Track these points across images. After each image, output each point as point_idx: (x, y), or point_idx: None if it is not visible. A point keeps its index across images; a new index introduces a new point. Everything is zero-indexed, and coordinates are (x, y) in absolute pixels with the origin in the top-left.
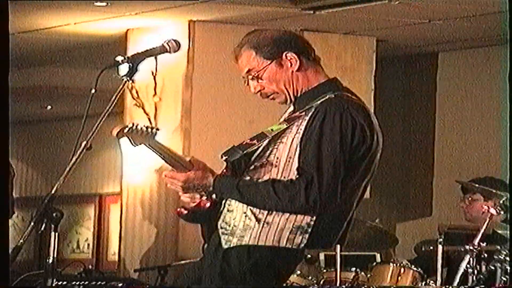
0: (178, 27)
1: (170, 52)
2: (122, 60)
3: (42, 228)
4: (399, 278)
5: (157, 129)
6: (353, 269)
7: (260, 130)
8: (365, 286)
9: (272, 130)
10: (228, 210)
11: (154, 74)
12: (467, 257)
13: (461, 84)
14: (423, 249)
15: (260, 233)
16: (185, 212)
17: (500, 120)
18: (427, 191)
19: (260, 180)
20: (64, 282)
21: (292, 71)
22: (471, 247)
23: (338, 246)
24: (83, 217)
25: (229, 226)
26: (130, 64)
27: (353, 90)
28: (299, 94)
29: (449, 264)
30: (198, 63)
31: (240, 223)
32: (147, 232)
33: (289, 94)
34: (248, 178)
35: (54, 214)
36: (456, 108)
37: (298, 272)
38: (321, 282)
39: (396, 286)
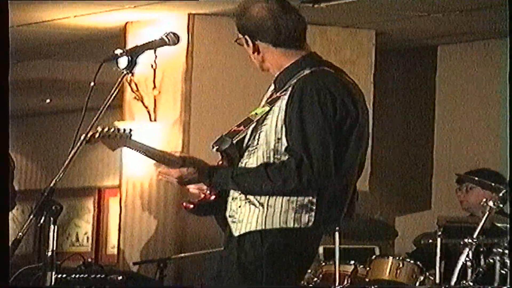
0: (177, 20)
1: (169, 45)
2: (121, 53)
3: (42, 221)
4: (398, 271)
5: (130, 130)
6: (352, 262)
7: None
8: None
9: (256, 114)
10: (232, 199)
11: (153, 67)
12: (466, 250)
13: (460, 77)
14: (422, 242)
15: (265, 217)
16: (191, 206)
17: (499, 113)
18: (426, 184)
19: (253, 166)
20: (64, 275)
21: (263, 55)
22: (470, 240)
23: (337, 239)
24: (83, 210)
25: (237, 214)
26: (129, 57)
27: None
28: (281, 71)
29: (448, 257)
30: (198, 56)
31: (245, 209)
32: (147, 225)
33: (274, 71)
34: (242, 165)
35: (53, 207)
36: (456, 101)
37: None
38: (320, 275)
39: (395, 279)
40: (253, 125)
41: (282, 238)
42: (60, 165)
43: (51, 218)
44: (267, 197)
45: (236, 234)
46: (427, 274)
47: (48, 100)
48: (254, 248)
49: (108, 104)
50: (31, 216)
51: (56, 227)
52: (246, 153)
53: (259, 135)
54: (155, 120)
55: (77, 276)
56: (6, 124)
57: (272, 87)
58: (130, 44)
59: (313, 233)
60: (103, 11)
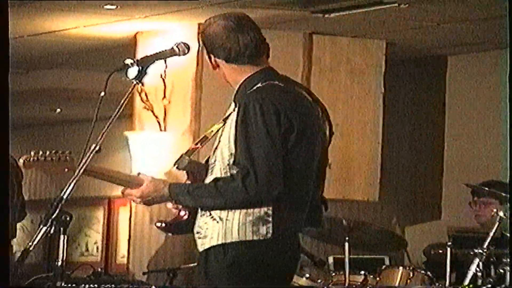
0: (187, 30)
1: (179, 55)
2: (131, 63)
3: (52, 231)
4: (408, 281)
5: (69, 153)
6: (362, 272)
7: None
8: None
9: (212, 131)
10: (200, 215)
11: (163, 77)
12: (476, 260)
13: (470, 87)
14: (432, 252)
15: (225, 231)
16: (163, 225)
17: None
18: (436, 194)
19: (203, 182)
20: (73, 285)
21: (223, 69)
22: (480, 251)
23: (347, 249)
24: (92, 220)
25: (202, 229)
26: (140, 67)
27: (362, 93)
28: (236, 88)
29: (458, 267)
30: (207, 65)
31: (209, 225)
32: (156, 235)
33: (233, 86)
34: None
35: (63, 217)
36: (466, 110)
37: (307, 275)
38: (330, 285)
39: None
40: (215, 143)
41: (243, 250)
42: (70, 175)
43: (61, 228)
44: (226, 211)
45: (200, 249)
46: (438, 284)
47: (58, 110)
48: (218, 261)
49: (118, 114)
50: (41, 226)
51: (66, 236)
52: (209, 171)
53: (216, 151)
54: (165, 129)
55: (87, 286)
56: (6, 124)
57: (232, 105)
58: (140, 54)
59: (276, 245)
60: (113, 21)
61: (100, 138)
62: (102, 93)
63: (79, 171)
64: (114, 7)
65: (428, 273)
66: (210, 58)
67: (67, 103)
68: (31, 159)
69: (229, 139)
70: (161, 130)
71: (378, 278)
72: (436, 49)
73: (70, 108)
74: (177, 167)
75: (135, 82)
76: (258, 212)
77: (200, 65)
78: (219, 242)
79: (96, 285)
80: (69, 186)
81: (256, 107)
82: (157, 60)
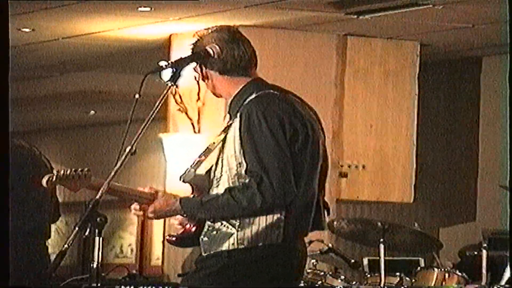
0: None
1: (214, 56)
2: (165, 65)
3: (87, 233)
4: (444, 283)
5: (88, 170)
6: (397, 274)
7: None
8: None
9: (214, 143)
10: (208, 226)
11: (197, 79)
12: None
13: (504, 89)
14: (467, 254)
15: (237, 236)
16: (174, 239)
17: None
18: (471, 195)
19: (216, 193)
20: (108, 287)
21: (214, 81)
22: None
23: (382, 250)
24: (127, 222)
25: (209, 238)
26: (174, 69)
27: (396, 94)
28: (230, 99)
29: (493, 268)
30: None
31: (219, 232)
32: None
33: (226, 99)
34: (211, 193)
35: (98, 219)
36: (500, 112)
37: (342, 277)
38: (365, 287)
39: None
40: (212, 154)
41: (255, 256)
42: (104, 177)
43: (96, 230)
44: (240, 219)
45: (204, 254)
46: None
47: (92, 112)
48: (227, 267)
49: (153, 116)
50: (76, 228)
51: (101, 238)
52: (214, 182)
53: (221, 163)
54: (199, 131)
55: (122, 287)
56: (6, 124)
57: (228, 116)
58: (174, 56)
59: (285, 248)
60: (148, 23)
61: (135, 140)
62: (137, 95)
63: (114, 173)
64: (148, 9)
65: (464, 274)
66: (201, 69)
67: (101, 105)
68: (53, 178)
69: (235, 149)
70: (195, 132)
71: (413, 280)
72: (470, 50)
73: (104, 110)
74: (183, 180)
75: (169, 84)
76: (270, 218)
77: None
78: (230, 248)
79: (131, 287)
80: (103, 188)
81: (260, 116)
82: (191, 62)
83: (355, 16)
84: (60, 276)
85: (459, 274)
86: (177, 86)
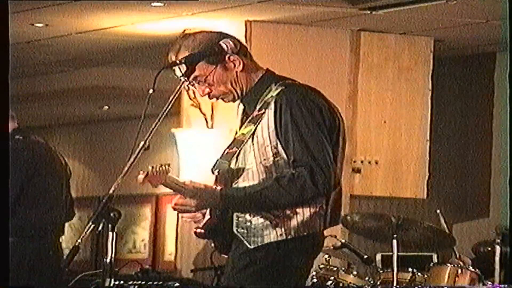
0: (234, 27)
1: (227, 52)
2: (179, 61)
3: (100, 228)
4: (457, 279)
5: (168, 165)
6: (410, 269)
7: None
8: (422, 286)
9: (243, 134)
10: (238, 216)
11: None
12: None
13: None
14: (481, 250)
15: (283, 228)
16: (202, 231)
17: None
18: (484, 191)
19: (263, 183)
20: (121, 282)
21: (237, 71)
22: None
23: (395, 246)
24: (140, 217)
25: (247, 229)
26: (188, 64)
27: (410, 90)
28: (245, 92)
29: (507, 265)
30: None
31: (258, 224)
32: None
33: (236, 93)
34: (246, 185)
35: (112, 214)
36: None
37: (355, 272)
38: (378, 283)
39: (453, 286)
40: (244, 145)
41: (301, 244)
42: (117, 172)
43: (110, 225)
44: (280, 208)
45: (252, 246)
46: (486, 281)
47: (105, 107)
48: (281, 256)
49: (166, 111)
50: (90, 223)
51: (114, 234)
52: (240, 174)
53: (252, 154)
54: (212, 127)
55: (135, 282)
56: (6, 124)
57: (241, 107)
58: None
59: (320, 238)
60: (161, 19)
61: (148, 135)
62: (151, 91)
63: (127, 168)
64: (161, 4)
65: (477, 270)
66: (223, 59)
67: (115, 100)
68: (146, 174)
69: (270, 139)
70: (208, 127)
71: (426, 276)
72: (484, 46)
73: (117, 106)
74: (218, 172)
75: (183, 80)
76: (314, 207)
77: None
78: (278, 239)
79: (144, 282)
80: (117, 183)
81: (301, 106)
82: (205, 57)
83: (369, 12)
84: (73, 271)
85: (473, 270)
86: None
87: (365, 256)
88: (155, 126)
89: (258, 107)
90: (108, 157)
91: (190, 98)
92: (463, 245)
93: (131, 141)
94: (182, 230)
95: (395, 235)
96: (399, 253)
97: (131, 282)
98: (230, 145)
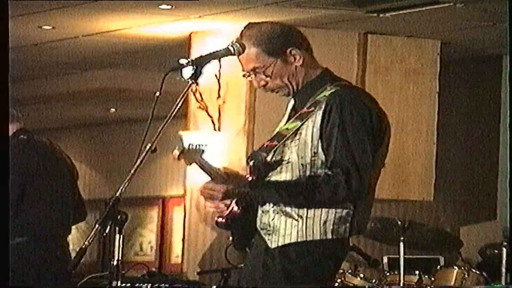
0: (241, 30)
1: (234, 54)
2: (186, 63)
3: (107, 231)
4: (463, 282)
5: (205, 145)
6: (417, 272)
7: None
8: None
9: (287, 129)
10: (263, 212)
11: (218, 77)
12: None
13: None
14: (488, 252)
15: (305, 228)
16: (224, 220)
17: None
18: (491, 194)
19: (295, 179)
20: (128, 284)
21: (296, 66)
22: None
23: (402, 249)
24: (147, 220)
25: (270, 226)
26: (195, 67)
27: (417, 93)
28: (300, 87)
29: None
30: None
31: (281, 222)
32: (210, 235)
33: (292, 87)
34: (278, 179)
35: (119, 217)
36: None
37: (362, 275)
38: (385, 285)
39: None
40: (285, 140)
41: (323, 249)
42: (124, 175)
43: (117, 228)
44: (305, 209)
45: (272, 246)
46: (493, 284)
47: (112, 110)
48: (300, 258)
49: (173, 113)
50: (97, 226)
51: (121, 236)
52: (275, 168)
53: (292, 150)
54: (219, 129)
55: (141, 285)
56: (6, 125)
57: (292, 101)
58: (194, 54)
59: (346, 244)
60: (168, 21)
61: (155, 138)
62: (158, 93)
63: (134, 170)
64: (169, 7)
65: (484, 273)
66: (284, 52)
67: (122, 103)
68: (186, 150)
69: (312, 138)
70: (215, 130)
71: (433, 278)
72: (491, 48)
73: (124, 108)
74: (253, 163)
75: (190, 82)
76: (340, 212)
77: None
78: (299, 240)
79: (150, 285)
80: (124, 186)
81: (353, 107)
82: (212, 59)
83: (376, 14)
84: (80, 273)
85: (479, 273)
86: (197, 84)
87: (372, 259)
88: (162, 128)
89: (308, 104)
90: (115, 160)
91: (197, 101)
92: (470, 248)
93: (138, 143)
94: (189, 233)
95: (402, 238)
96: (405, 256)
97: (137, 285)
98: (271, 138)
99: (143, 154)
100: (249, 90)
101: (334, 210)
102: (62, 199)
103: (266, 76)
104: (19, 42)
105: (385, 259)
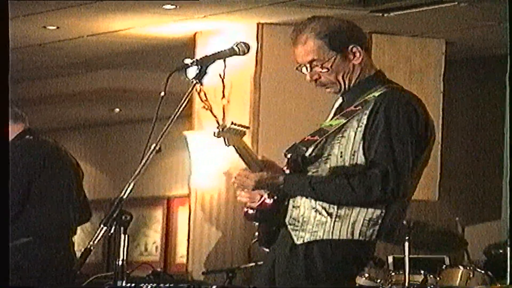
0: (246, 29)
1: (239, 54)
2: (191, 63)
3: (112, 231)
4: (468, 281)
5: (247, 128)
6: (422, 272)
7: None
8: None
9: (331, 125)
10: (293, 207)
11: (222, 77)
12: None
13: None
14: (492, 252)
15: (333, 227)
16: (252, 211)
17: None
18: (496, 194)
19: (331, 176)
20: (133, 284)
21: (354, 64)
22: None
23: (407, 248)
24: (151, 220)
25: (298, 222)
26: (199, 67)
27: (422, 92)
28: (351, 85)
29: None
30: (266, 65)
31: (310, 218)
32: (215, 235)
33: (344, 85)
34: (314, 174)
35: (123, 217)
36: None
37: (367, 274)
38: (390, 285)
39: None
40: (328, 136)
41: (349, 249)
42: (128, 175)
43: (122, 228)
44: (336, 207)
45: (298, 242)
46: (498, 284)
47: (117, 110)
48: (324, 257)
49: (178, 113)
50: (102, 226)
51: (126, 236)
52: (315, 163)
53: (333, 146)
54: None
55: (147, 285)
56: (6, 125)
57: (340, 100)
58: (199, 54)
59: (372, 247)
60: (173, 21)
61: (160, 138)
62: (162, 93)
63: (139, 171)
64: (173, 7)
65: (489, 273)
66: (346, 48)
67: (126, 103)
68: (225, 128)
69: (355, 137)
70: None
71: (438, 278)
72: (496, 48)
73: (129, 108)
74: (291, 156)
75: (194, 82)
76: (371, 214)
77: (259, 65)
78: (325, 237)
79: (155, 285)
80: (128, 186)
81: (401, 109)
82: (216, 59)
83: (380, 14)
84: (85, 273)
85: (484, 272)
86: (202, 84)
87: (377, 258)
88: (167, 128)
89: (356, 103)
90: (120, 160)
91: (202, 101)
92: (474, 247)
93: (143, 143)
94: (194, 233)
95: (407, 237)
96: (411, 256)
97: (142, 285)
98: (313, 133)
99: (148, 154)
100: (253, 90)
101: (365, 211)
102: (67, 199)
103: (323, 69)
104: (24, 42)
105: (390, 259)
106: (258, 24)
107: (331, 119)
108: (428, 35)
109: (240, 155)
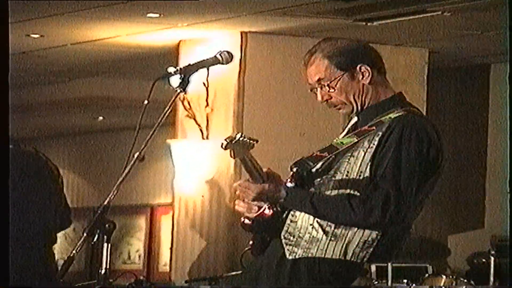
0: (230, 38)
1: (222, 63)
2: (174, 71)
3: (95, 239)
4: None
5: (256, 141)
6: (405, 280)
7: (311, 142)
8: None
9: (342, 143)
10: (291, 221)
11: (206, 85)
12: None
13: None
14: (475, 261)
15: (327, 245)
16: (249, 222)
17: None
18: (479, 202)
19: (333, 194)
20: None
21: (363, 84)
22: None
23: None
24: (135, 228)
25: (293, 237)
26: (183, 75)
27: None
28: (365, 107)
29: (502, 276)
30: (250, 74)
31: (305, 234)
32: (198, 243)
33: (356, 106)
34: (317, 190)
35: (107, 225)
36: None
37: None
38: None
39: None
40: (337, 154)
41: (336, 268)
42: (112, 183)
43: (105, 236)
44: (333, 226)
45: (289, 257)
46: None
47: (100, 118)
48: (310, 273)
49: (161, 122)
50: (85, 234)
51: (109, 245)
52: (320, 179)
53: (340, 164)
54: (207, 138)
55: None
56: (6, 128)
57: (355, 118)
58: (183, 62)
59: (361, 268)
60: (157, 29)
61: (144, 146)
62: (146, 102)
63: (122, 179)
64: (157, 15)
65: (472, 281)
66: (354, 67)
67: (110, 111)
68: (234, 141)
69: (364, 157)
70: (203, 138)
71: (421, 287)
72: (479, 57)
73: (112, 116)
74: (296, 170)
75: (178, 91)
76: (367, 236)
77: (243, 73)
78: (317, 255)
79: None
80: (112, 194)
81: (414, 135)
82: (200, 68)
83: (364, 23)
84: (67, 282)
85: (467, 281)
86: (185, 92)
87: None
88: (150, 136)
89: (371, 123)
90: (103, 168)
91: (186, 109)
92: (458, 256)
93: (126, 151)
94: (177, 241)
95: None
96: (393, 264)
97: None
98: (322, 149)
99: (131, 162)
100: (237, 99)
101: (361, 232)
102: (46, 207)
103: (330, 88)
104: None
105: (373, 267)
106: (241, 33)
107: (343, 136)
108: (412, 44)
109: (245, 166)
